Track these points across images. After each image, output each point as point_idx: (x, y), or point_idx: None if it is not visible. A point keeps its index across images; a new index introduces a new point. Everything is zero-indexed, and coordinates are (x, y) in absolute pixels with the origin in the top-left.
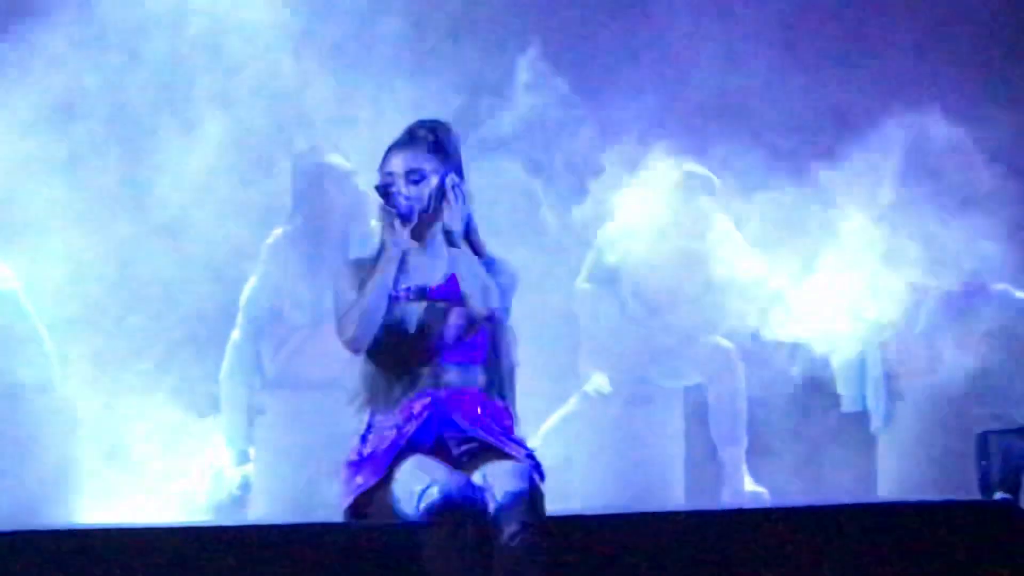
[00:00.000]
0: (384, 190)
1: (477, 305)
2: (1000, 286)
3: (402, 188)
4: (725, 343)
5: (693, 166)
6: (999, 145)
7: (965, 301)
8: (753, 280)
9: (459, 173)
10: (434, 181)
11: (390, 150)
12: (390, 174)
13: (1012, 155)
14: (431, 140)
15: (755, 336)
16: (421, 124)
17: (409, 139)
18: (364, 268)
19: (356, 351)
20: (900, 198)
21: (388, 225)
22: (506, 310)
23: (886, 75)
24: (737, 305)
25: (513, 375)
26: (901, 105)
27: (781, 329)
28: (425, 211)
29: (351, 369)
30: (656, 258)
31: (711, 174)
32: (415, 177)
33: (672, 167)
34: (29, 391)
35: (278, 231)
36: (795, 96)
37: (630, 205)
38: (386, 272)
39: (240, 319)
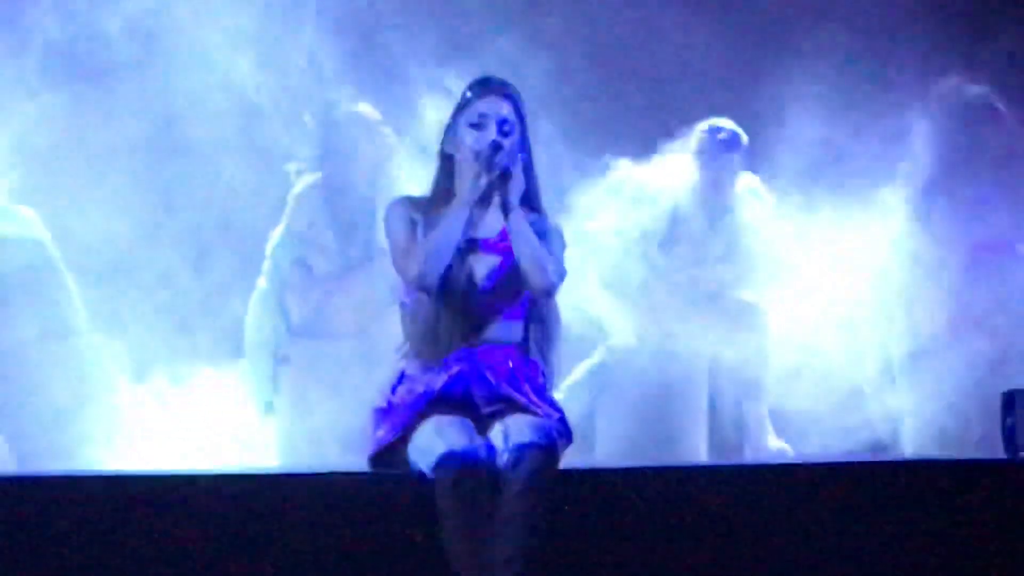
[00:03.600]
0: (471, 129)
1: (536, 280)
2: None
3: (493, 133)
4: (751, 299)
5: (721, 120)
6: None
7: (993, 259)
8: (776, 240)
9: (526, 141)
10: (515, 139)
11: (480, 93)
12: (484, 115)
13: None
14: (515, 99)
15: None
16: (500, 80)
17: (497, 89)
18: (417, 206)
19: (425, 289)
20: (928, 161)
21: (473, 164)
22: (561, 274)
23: (912, 42)
24: (762, 263)
25: (557, 333)
26: (928, 71)
27: (801, 291)
28: (504, 164)
29: (380, 319)
30: (681, 212)
31: (739, 129)
32: (507, 128)
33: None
34: (54, 337)
35: (306, 180)
36: (821, 65)
37: (656, 159)
38: (460, 213)
39: (266, 267)
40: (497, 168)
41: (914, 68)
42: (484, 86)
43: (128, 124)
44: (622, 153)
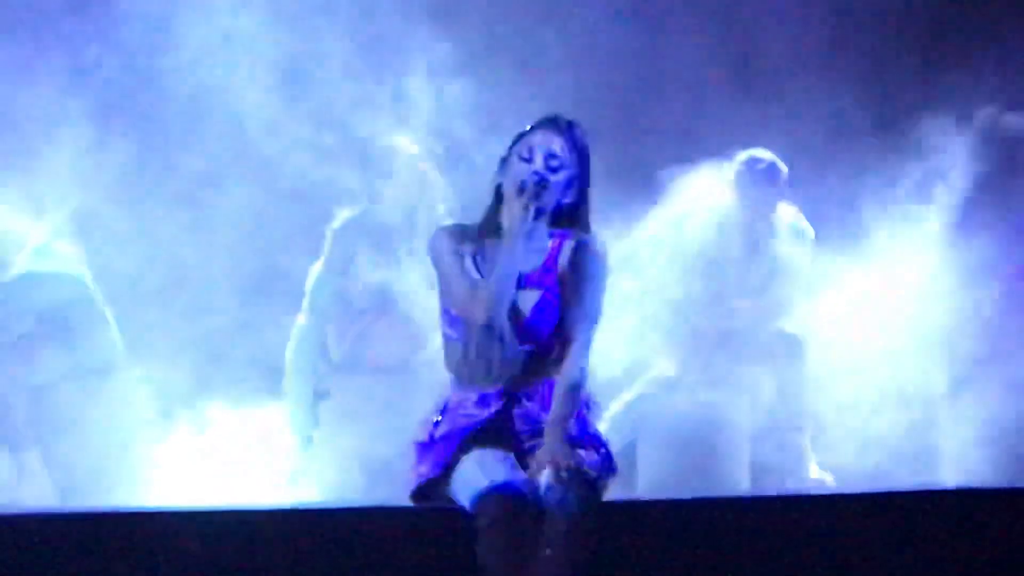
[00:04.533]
0: (521, 162)
1: (581, 334)
2: None
3: (539, 165)
4: (791, 330)
5: (759, 151)
6: None
7: None
8: (815, 271)
9: (586, 178)
10: (563, 176)
11: (536, 127)
12: (533, 148)
13: None
14: (571, 134)
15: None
16: (561, 117)
17: (552, 124)
18: (464, 235)
19: (490, 327)
20: (966, 187)
21: (517, 198)
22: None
23: (946, 71)
24: (802, 294)
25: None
26: (962, 100)
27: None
28: (547, 199)
29: (420, 352)
30: (721, 243)
31: (778, 160)
32: (554, 163)
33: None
34: (93, 373)
35: (345, 214)
36: (852, 94)
37: (694, 188)
38: (514, 247)
39: (306, 303)
40: (537, 200)
41: (951, 95)
42: (543, 120)
43: (173, 161)
44: (651, 176)
